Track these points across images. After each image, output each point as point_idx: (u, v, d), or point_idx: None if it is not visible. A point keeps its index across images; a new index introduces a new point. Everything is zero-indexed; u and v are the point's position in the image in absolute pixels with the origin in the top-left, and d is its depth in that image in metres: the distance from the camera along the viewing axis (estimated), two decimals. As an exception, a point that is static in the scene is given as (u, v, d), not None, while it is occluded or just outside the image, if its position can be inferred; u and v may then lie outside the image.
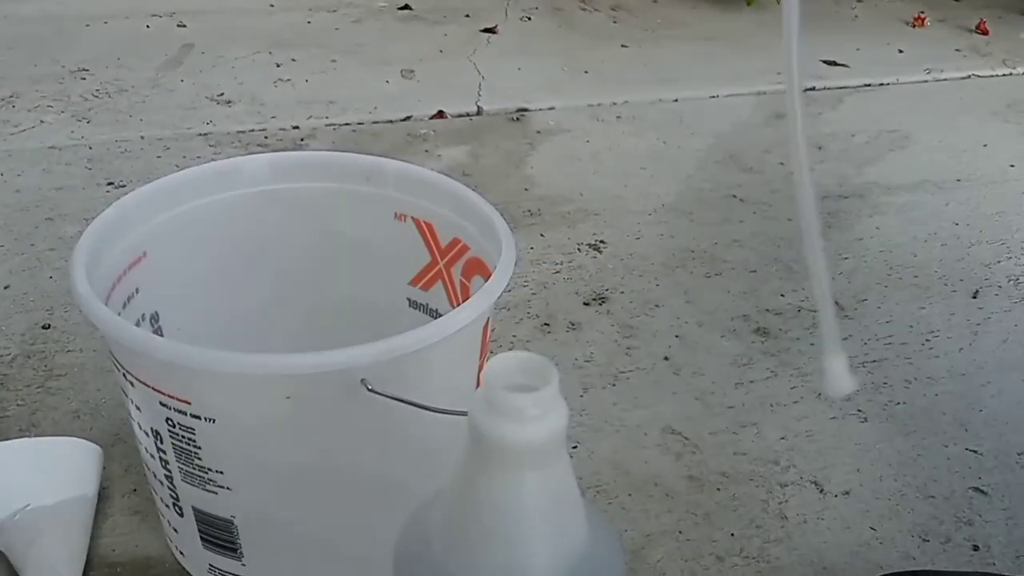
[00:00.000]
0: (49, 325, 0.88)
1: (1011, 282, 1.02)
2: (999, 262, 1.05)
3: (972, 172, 1.26)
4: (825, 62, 1.63)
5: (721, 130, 1.36)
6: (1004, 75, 1.64)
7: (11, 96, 1.33)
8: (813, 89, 1.52)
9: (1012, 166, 1.29)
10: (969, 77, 1.61)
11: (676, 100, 1.46)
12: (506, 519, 0.37)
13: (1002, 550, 0.70)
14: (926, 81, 1.58)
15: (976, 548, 0.70)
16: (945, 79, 1.59)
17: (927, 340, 0.92)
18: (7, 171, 1.13)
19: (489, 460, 0.37)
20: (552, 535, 0.37)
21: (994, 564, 0.69)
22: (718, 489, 0.74)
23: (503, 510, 0.37)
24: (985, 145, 1.35)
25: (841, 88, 1.53)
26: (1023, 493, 0.75)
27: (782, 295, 0.98)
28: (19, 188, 1.10)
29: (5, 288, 0.93)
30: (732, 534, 0.70)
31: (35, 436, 0.73)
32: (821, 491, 0.74)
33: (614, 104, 1.43)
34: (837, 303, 0.97)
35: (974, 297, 0.99)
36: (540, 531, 0.37)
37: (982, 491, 0.75)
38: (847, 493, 0.74)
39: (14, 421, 0.77)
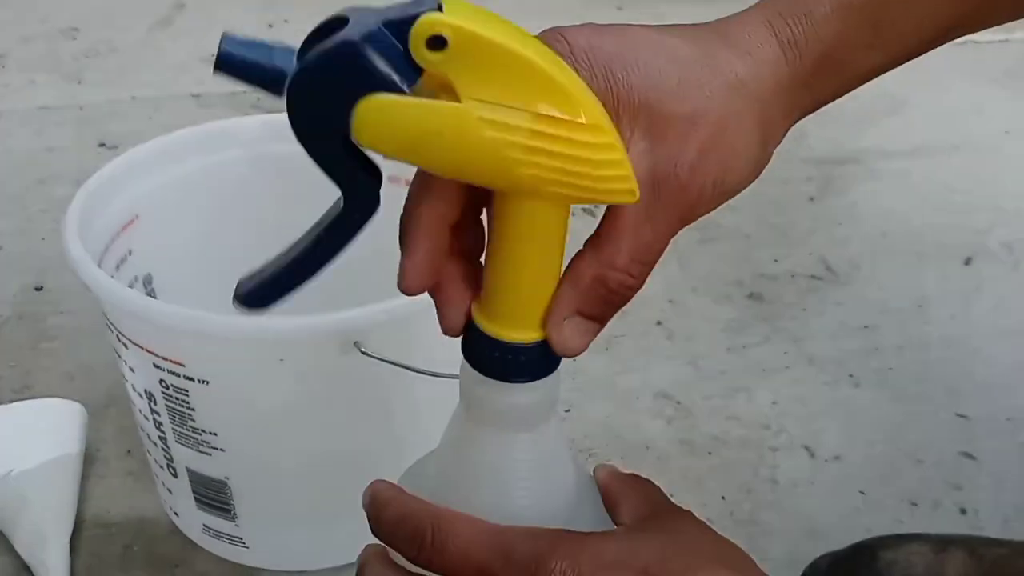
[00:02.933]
0: (42, 287, 0.87)
1: (1004, 249, 1.02)
2: (992, 229, 1.05)
3: (967, 138, 1.26)
4: (822, 26, 1.62)
5: (716, 94, 1.35)
6: (1001, 41, 1.63)
7: (1, 56, 1.32)
8: (809, 54, 1.51)
9: (1007, 132, 1.28)
10: (966, 43, 1.60)
11: (672, 64, 1.45)
12: (495, 480, 0.37)
13: (990, 514, 0.71)
14: (923, 46, 1.57)
15: (964, 512, 0.71)
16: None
17: (920, 306, 0.92)
18: (-2, 132, 1.13)
19: (479, 422, 0.37)
20: (541, 497, 0.37)
21: (982, 528, 0.69)
22: (709, 453, 0.74)
23: (493, 471, 0.37)
24: (981, 111, 1.34)
25: (837, 53, 1.52)
26: (1012, 458, 0.75)
27: (776, 260, 0.98)
28: (10, 149, 1.09)
29: (-3, 249, 0.92)
30: (723, 498, 0.71)
31: (28, 398, 0.73)
32: (812, 456, 0.75)
33: (609, 67, 1.42)
34: (830, 268, 0.97)
35: (967, 263, 0.99)
36: (529, 492, 0.37)
37: (971, 456, 0.76)
38: (838, 458, 0.75)
39: (7, 383, 0.77)
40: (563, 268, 0.36)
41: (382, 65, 0.31)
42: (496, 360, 0.36)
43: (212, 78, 0.35)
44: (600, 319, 0.38)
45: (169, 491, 0.63)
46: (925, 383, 0.83)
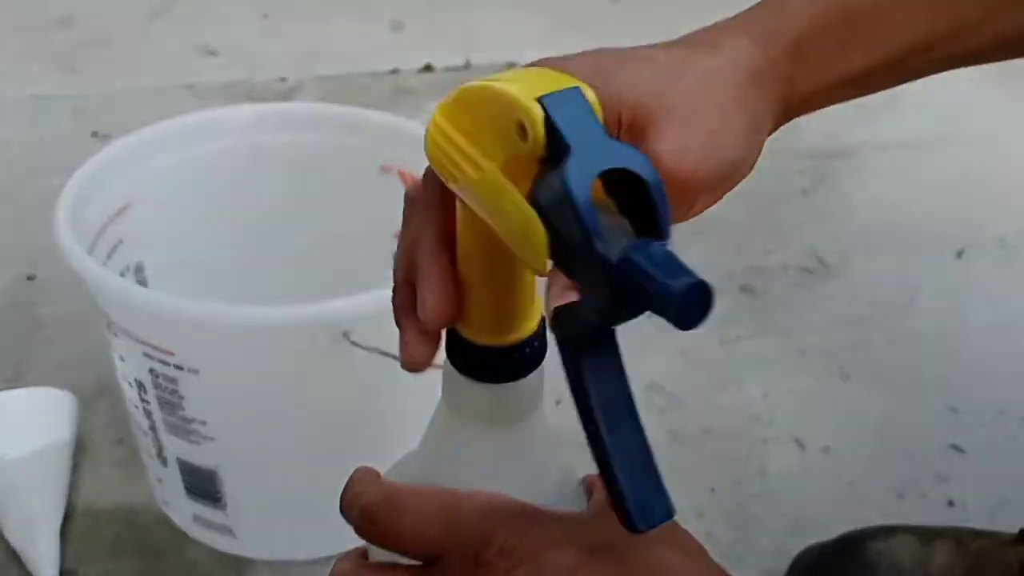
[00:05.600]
0: (34, 276, 0.87)
1: (995, 243, 1.02)
2: (984, 223, 1.05)
3: (961, 132, 1.26)
4: (817, 20, 1.62)
5: (711, 87, 1.35)
6: (995, 35, 1.63)
7: (-6, 45, 1.31)
8: (804, 47, 1.51)
9: (999, 127, 1.28)
10: (960, 37, 1.60)
11: (666, 57, 1.45)
12: (477, 476, 0.37)
13: (977, 506, 0.71)
14: (917, 40, 1.57)
15: (951, 504, 0.71)
16: (936, 39, 1.58)
17: (911, 299, 0.93)
18: (-9, 121, 1.12)
19: (460, 418, 0.37)
20: (523, 492, 0.37)
21: (969, 520, 0.70)
22: (699, 445, 0.75)
23: (474, 467, 0.37)
24: (973, 105, 1.34)
25: (832, 46, 1.52)
26: (1000, 451, 0.76)
27: (767, 253, 0.98)
28: (2, 138, 1.09)
29: (-11, 238, 0.92)
30: (712, 489, 0.71)
31: (20, 387, 0.73)
32: (802, 448, 0.75)
33: (604, 60, 1.42)
34: (822, 261, 0.97)
35: (959, 257, 0.99)
36: (511, 488, 0.37)
37: (960, 449, 0.76)
38: (827, 450, 0.75)
39: (-1, 372, 0.77)
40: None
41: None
42: (478, 362, 0.36)
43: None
44: None
45: (159, 480, 0.63)
46: (915, 376, 0.83)
